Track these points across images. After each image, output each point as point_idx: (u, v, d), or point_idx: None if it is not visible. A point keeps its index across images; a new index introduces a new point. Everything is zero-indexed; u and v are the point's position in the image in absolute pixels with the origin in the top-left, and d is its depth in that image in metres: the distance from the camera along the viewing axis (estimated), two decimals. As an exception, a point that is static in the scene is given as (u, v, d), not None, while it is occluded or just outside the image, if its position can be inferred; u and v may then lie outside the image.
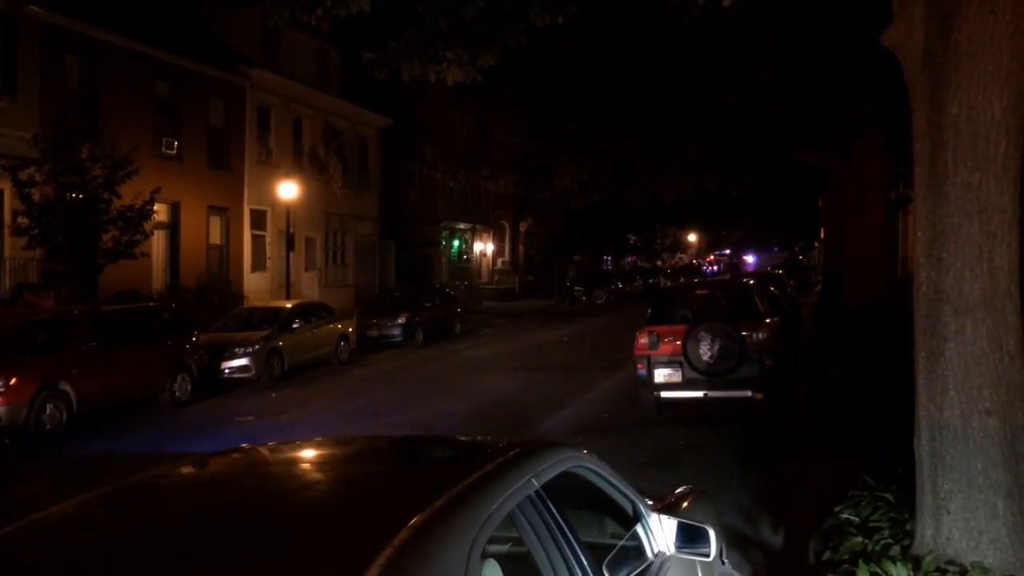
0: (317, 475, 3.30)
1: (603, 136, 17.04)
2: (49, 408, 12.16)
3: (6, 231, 18.04)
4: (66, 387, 12.49)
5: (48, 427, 12.10)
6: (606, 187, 19.27)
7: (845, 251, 18.09)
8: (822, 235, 30.59)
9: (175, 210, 23.32)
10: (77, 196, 17.39)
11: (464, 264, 42.42)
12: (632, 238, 60.11)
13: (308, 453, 3.58)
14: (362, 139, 33.31)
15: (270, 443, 3.76)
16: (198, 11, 26.73)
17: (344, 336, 20.28)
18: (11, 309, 16.27)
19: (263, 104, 27.31)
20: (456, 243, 42.07)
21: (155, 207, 18.94)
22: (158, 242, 22.20)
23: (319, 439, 3.94)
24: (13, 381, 11.85)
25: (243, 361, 16.59)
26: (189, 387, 15.12)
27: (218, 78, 25.09)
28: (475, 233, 43.89)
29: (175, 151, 23.32)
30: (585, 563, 2.85)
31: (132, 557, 2.36)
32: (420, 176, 32.30)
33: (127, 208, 17.98)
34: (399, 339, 22.97)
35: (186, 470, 3.27)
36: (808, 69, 12.84)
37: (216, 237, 25.43)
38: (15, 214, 17.41)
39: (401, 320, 23.32)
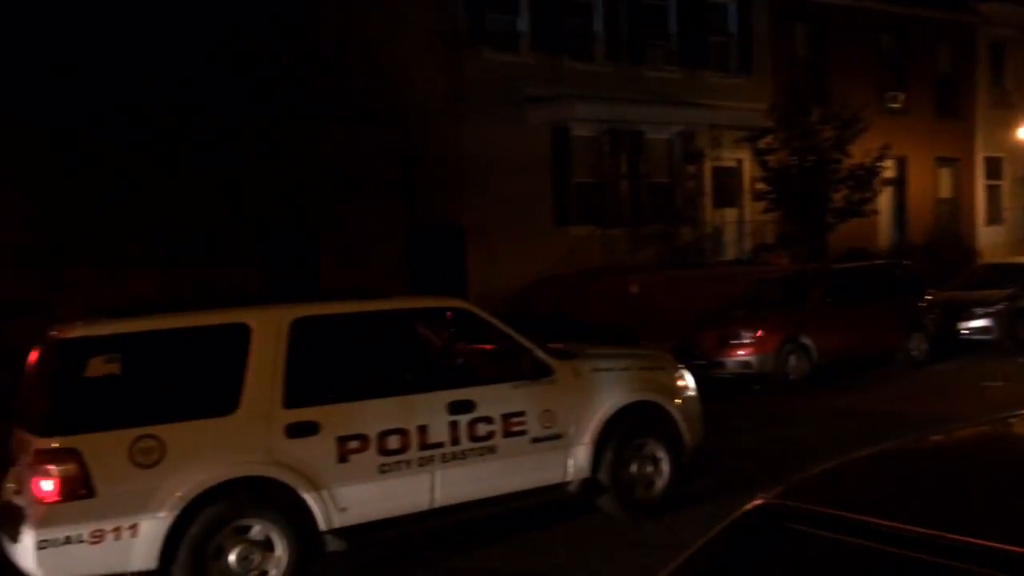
0: None
1: None
2: (793, 359, 12.96)
3: (747, 197, 19.82)
4: (806, 340, 13.13)
5: (792, 377, 12.91)
6: None
7: None
8: None
9: (902, 165, 22.74)
10: (809, 159, 18.14)
11: None
12: None
13: None
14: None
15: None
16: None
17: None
18: (751, 268, 17.82)
19: (995, 41, 24.72)
20: None
21: (884, 163, 18.73)
22: (885, 199, 21.94)
23: None
24: (759, 333, 12.92)
25: (983, 322, 15.32)
26: (925, 347, 14.56)
27: (945, 20, 23.54)
28: None
29: (901, 104, 22.67)
30: None
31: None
32: None
33: (857, 167, 18.14)
34: None
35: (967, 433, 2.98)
36: None
37: (945, 190, 24.06)
38: (754, 181, 19.04)
39: None
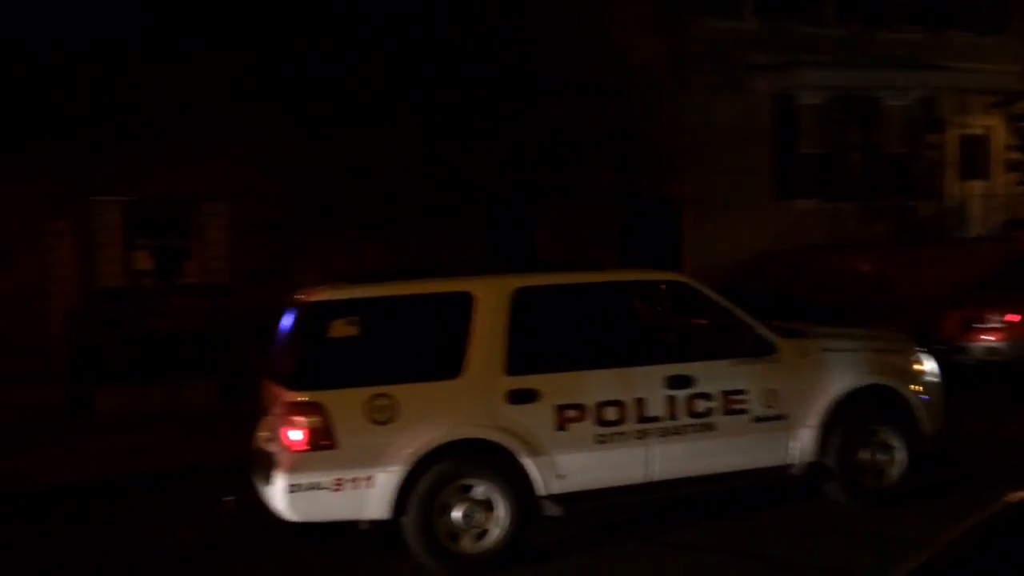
0: None
1: None
2: (1048, 348, 11.72)
3: (997, 167, 18.06)
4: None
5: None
6: None
7: None
8: None
9: None
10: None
11: None
12: None
13: None
14: None
15: None
16: None
17: None
18: (1000, 245, 16.24)
19: None
20: None
21: None
22: None
23: None
24: (1012, 317, 11.77)
25: None
26: None
27: None
28: None
29: None
30: None
31: None
32: None
33: None
34: None
35: None
36: None
37: None
38: (1007, 150, 17.30)
39: None
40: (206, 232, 14.28)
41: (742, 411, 6.15)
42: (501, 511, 5.62)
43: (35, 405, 11.11)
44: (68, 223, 13.41)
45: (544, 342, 6.00)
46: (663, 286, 6.62)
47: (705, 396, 6.06)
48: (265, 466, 5.77)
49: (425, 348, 5.87)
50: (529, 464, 5.67)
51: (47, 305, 13.33)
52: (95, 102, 13.33)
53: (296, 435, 5.41)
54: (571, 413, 5.80)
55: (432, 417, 5.59)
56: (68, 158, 13.10)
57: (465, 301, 5.83)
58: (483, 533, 5.62)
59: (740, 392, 6.14)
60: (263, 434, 6.17)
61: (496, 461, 5.66)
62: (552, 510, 5.80)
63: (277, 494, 5.47)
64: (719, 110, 16.07)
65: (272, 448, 5.76)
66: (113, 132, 13.29)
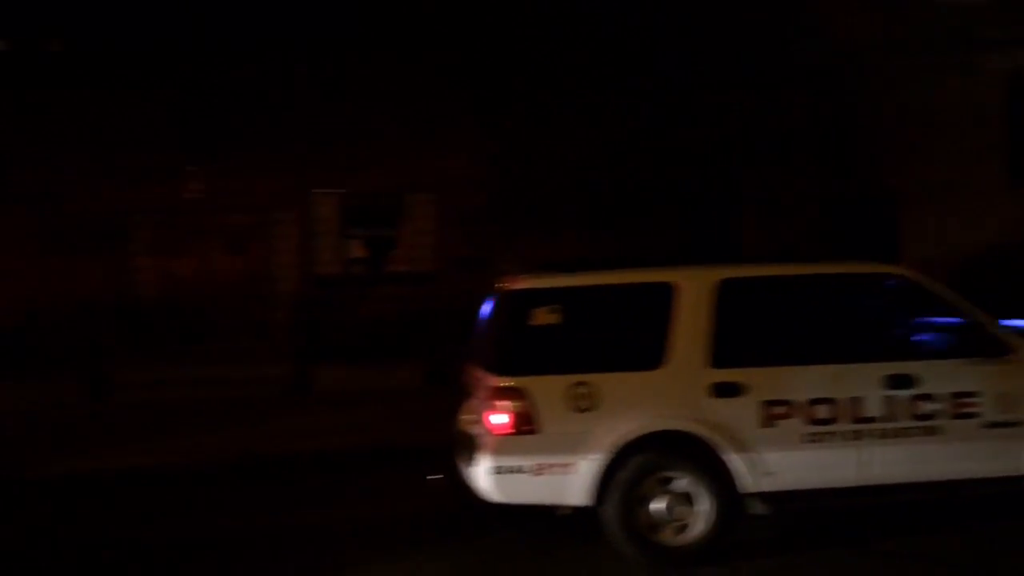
0: None
1: None
2: None
3: None
4: None
5: None
6: None
7: None
8: None
9: None
10: None
11: None
12: None
13: None
14: None
15: None
16: None
17: None
18: None
19: None
20: None
21: None
22: None
23: None
24: None
25: None
26: None
27: None
28: None
29: None
30: None
31: None
32: None
33: None
34: None
35: None
36: None
37: None
38: None
39: None
40: (414, 222, 14.94)
41: (971, 415, 5.67)
42: (703, 506, 5.51)
43: (263, 382, 12.08)
44: (292, 214, 14.47)
45: (751, 335, 5.80)
46: (883, 280, 6.21)
47: (929, 398, 5.64)
48: (469, 448, 5.95)
49: (626, 338, 5.82)
50: (733, 460, 5.52)
51: (273, 289, 14.47)
52: (316, 99, 14.26)
53: (500, 419, 5.53)
54: (779, 409, 5.57)
55: (633, 407, 5.55)
56: (293, 154, 14.12)
57: (668, 292, 5.74)
58: (684, 527, 5.53)
59: (970, 395, 5.67)
60: (467, 417, 6.37)
61: (698, 455, 5.55)
62: (758, 508, 5.62)
63: (480, 475, 5.63)
64: (942, 91, 14.91)
65: (476, 431, 5.93)
66: (331, 128, 14.18)
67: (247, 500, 7.60)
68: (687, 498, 5.53)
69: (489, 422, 5.61)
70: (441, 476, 6.54)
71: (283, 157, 13.98)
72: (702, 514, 5.50)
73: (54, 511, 7.48)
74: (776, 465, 5.55)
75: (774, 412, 5.57)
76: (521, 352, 5.74)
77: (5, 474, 8.40)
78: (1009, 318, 6.37)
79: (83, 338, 12.64)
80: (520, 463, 5.49)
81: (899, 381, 5.63)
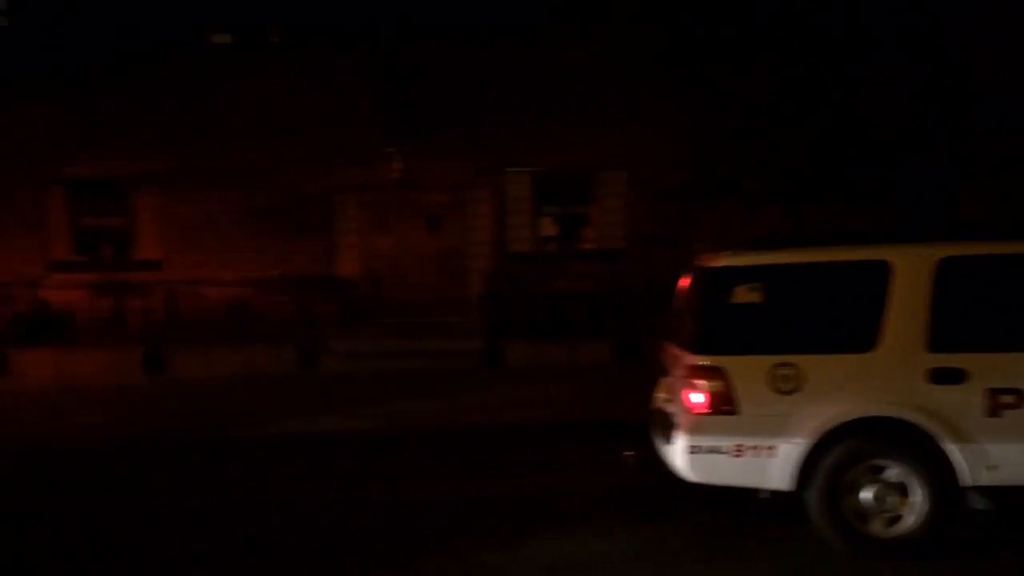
0: None
1: None
2: None
3: None
4: None
5: None
6: None
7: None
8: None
9: None
10: None
11: None
12: None
13: None
14: None
15: None
16: None
17: None
18: None
19: None
20: None
21: None
22: None
23: None
24: None
25: None
26: None
27: None
28: None
29: None
30: None
31: None
32: None
33: None
34: None
35: None
36: None
37: None
38: None
39: None
40: (605, 200, 14.92)
41: None
42: (917, 497, 5.18)
43: (458, 354, 12.51)
44: (486, 192, 14.82)
45: (975, 318, 5.37)
46: None
47: None
48: (665, 426, 5.89)
49: (834, 318, 5.54)
50: (953, 450, 5.15)
51: (467, 266, 14.92)
52: (509, 80, 14.51)
53: (697, 398, 5.44)
54: (1007, 398, 5.14)
55: (841, 391, 5.29)
56: (486, 132, 14.44)
57: (882, 270, 5.40)
58: (896, 518, 5.23)
59: None
60: (662, 395, 6.31)
61: (913, 443, 5.21)
62: (980, 503, 5.23)
63: (677, 454, 5.56)
64: None
65: (672, 409, 5.86)
66: (524, 107, 14.38)
67: (456, 466, 7.83)
68: (900, 488, 5.22)
69: (686, 400, 5.53)
70: (635, 452, 6.53)
71: (477, 136, 14.34)
72: (915, 506, 5.18)
73: (289, 469, 8.04)
74: (1001, 458, 5.13)
75: (1001, 401, 5.14)
76: (721, 331, 5.60)
77: (229, 433, 9.21)
78: None
79: (296, 310, 13.59)
80: (718, 443, 5.38)
81: None
